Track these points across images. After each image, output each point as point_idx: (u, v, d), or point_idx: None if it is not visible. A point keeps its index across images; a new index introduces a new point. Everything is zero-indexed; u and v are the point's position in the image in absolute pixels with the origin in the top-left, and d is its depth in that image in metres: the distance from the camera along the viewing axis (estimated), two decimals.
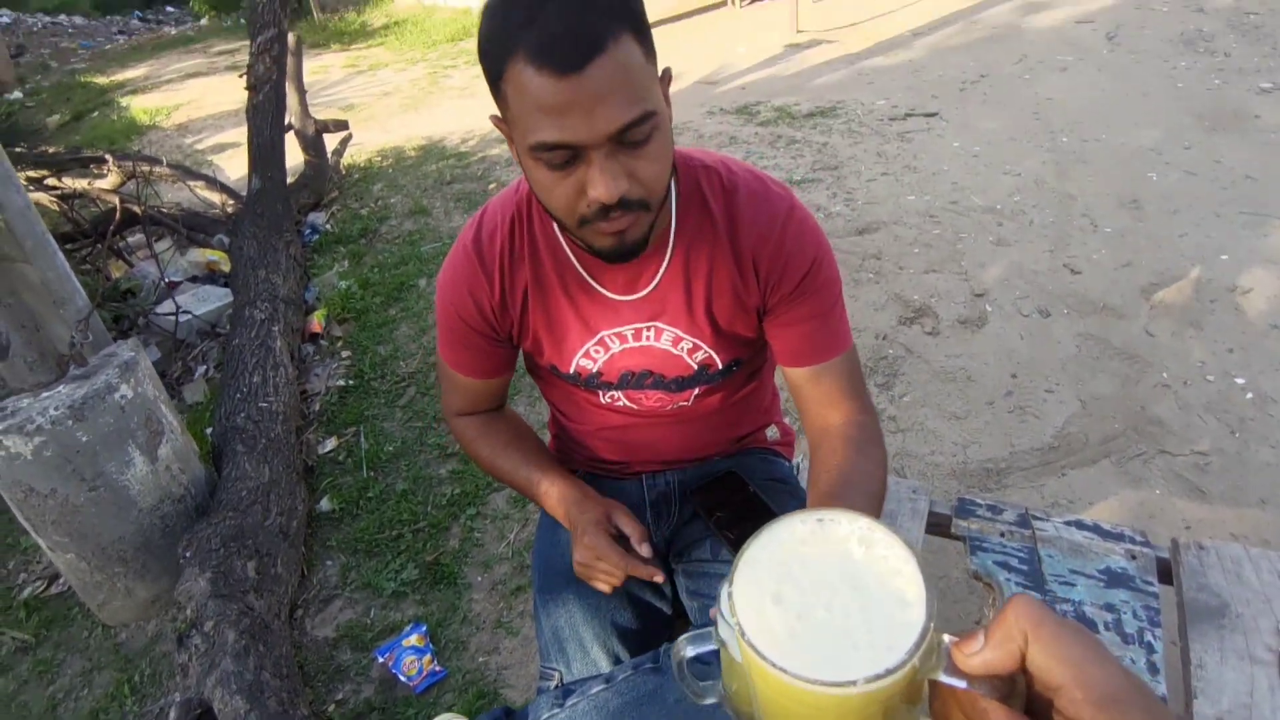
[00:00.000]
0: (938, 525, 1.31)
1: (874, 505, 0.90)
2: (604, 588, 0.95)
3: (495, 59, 0.72)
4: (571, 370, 1.00)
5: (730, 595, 0.39)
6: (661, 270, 0.92)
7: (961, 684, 0.36)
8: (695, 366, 0.98)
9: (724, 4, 7.60)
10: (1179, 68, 4.29)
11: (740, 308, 0.94)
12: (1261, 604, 1.09)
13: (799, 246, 0.91)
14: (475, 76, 6.44)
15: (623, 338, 0.96)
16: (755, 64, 5.67)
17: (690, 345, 0.96)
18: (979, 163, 3.61)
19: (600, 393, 1.03)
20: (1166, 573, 1.18)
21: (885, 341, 2.55)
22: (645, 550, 0.95)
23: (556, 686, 0.99)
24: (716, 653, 0.44)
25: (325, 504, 2.27)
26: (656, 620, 1.06)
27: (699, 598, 1.03)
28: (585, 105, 0.68)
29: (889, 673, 0.34)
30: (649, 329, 0.95)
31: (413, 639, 1.78)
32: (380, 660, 1.77)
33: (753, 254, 0.91)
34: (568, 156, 0.72)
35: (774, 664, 0.35)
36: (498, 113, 0.78)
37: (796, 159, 3.94)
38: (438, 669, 1.75)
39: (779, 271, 0.91)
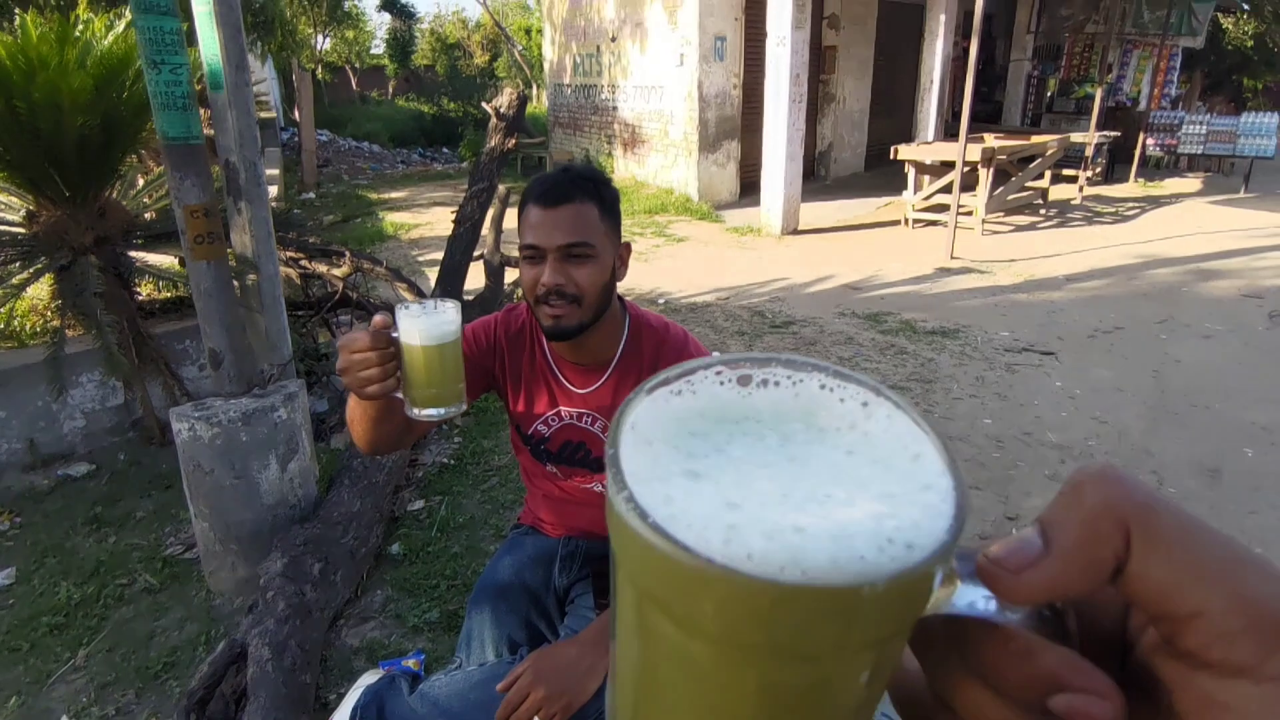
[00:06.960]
0: None
1: None
2: (371, 380, 1.04)
3: (521, 207, 1.26)
4: (530, 431, 1.42)
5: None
6: (603, 379, 1.36)
7: (991, 610, 0.22)
8: None
9: (899, 223, 8.19)
10: None
11: None
12: None
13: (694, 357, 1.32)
14: (655, 245, 7.37)
15: (571, 415, 1.39)
16: (903, 279, 6.07)
17: None
18: (1072, 404, 3.70)
19: (546, 464, 1.44)
20: None
21: None
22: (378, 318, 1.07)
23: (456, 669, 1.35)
24: None
25: (395, 548, 2.76)
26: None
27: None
28: (549, 226, 1.21)
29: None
30: (589, 416, 1.38)
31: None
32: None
33: None
34: (535, 256, 1.23)
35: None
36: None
37: (897, 367, 4.22)
38: None
39: None
